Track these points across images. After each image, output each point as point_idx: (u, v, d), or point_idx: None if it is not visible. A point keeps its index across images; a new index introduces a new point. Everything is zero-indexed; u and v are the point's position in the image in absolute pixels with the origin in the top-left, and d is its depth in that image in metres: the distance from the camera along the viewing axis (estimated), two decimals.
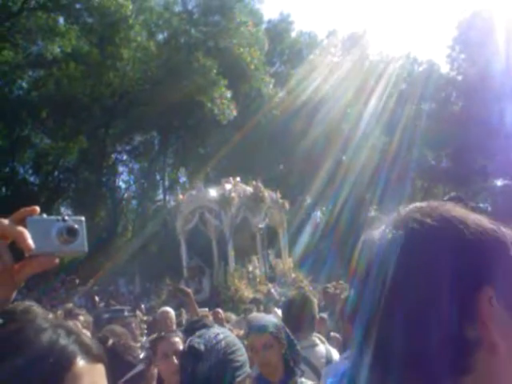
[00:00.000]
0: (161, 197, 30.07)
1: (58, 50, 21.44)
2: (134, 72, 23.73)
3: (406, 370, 0.63)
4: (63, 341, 0.78)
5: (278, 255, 15.11)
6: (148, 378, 2.83)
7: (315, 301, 3.90)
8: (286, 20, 32.40)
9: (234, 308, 10.27)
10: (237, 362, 2.55)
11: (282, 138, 24.05)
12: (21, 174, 26.00)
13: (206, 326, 2.78)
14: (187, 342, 2.61)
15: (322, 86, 25.83)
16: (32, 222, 0.83)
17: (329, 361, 3.32)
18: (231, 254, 13.63)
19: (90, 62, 22.27)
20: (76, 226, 0.86)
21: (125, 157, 30.15)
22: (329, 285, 8.97)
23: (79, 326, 3.83)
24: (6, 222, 0.82)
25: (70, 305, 7.45)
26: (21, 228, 0.82)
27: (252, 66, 24.22)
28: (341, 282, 9.21)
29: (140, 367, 2.78)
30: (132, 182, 31.24)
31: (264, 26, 29.82)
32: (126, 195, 31.25)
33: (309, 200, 26.84)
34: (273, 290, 12.39)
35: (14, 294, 0.85)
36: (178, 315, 6.77)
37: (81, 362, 0.79)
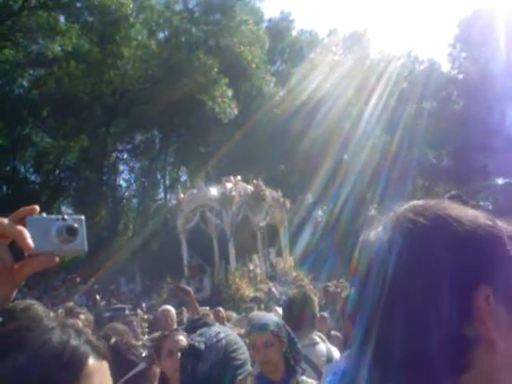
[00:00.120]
0: (162, 195, 30.08)
1: (59, 48, 21.43)
2: (134, 70, 23.73)
3: (406, 368, 0.63)
4: (74, 341, 0.79)
5: (279, 254, 15.11)
6: (150, 377, 2.83)
7: (316, 299, 3.91)
8: (287, 18, 32.37)
9: (235, 307, 10.27)
10: (238, 361, 2.55)
11: (282, 136, 24.03)
12: (22, 172, 26.03)
13: (206, 325, 2.78)
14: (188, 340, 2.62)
15: (322, 85, 25.80)
16: (32, 221, 0.83)
17: (329, 359, 3.32)
18: (232, 252, 13.63)
19: (90, 60, 22.27)
20: (76, 225, 0.86)
21: (125, 155, 30.17)
22: (329, 283, 8.98)
23: (80, 324, 3.83)
24: (5, 221, 0.82)
25: (71, 303, 7.46)
26: (20, 227, 0.82)
27: (253, 65, 24.20)
28: (341, 280, 9.22)
29: (142, 366, 2.79)
30: (133, 181, 31.27)
31: (265, 24, 29.78)
32: (126, 194, 31.27)
33: (310, 199, 26.82)
34: (274, 289, 12.39)
35: (15, 293, 0.85)
36: (179, 314, 6.77)
37: (91, 361, 0.80)
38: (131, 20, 22.01)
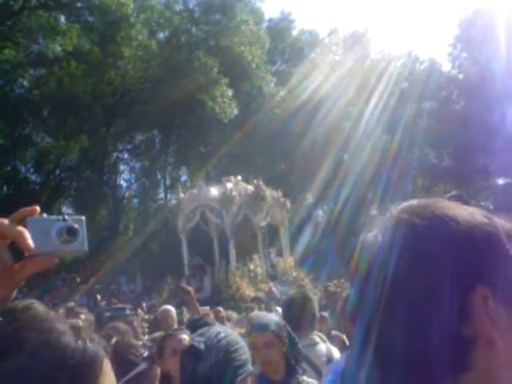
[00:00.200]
0: (162, 195, 30.08)
1: (59, 48, 21.41)
2: (135, 70, 23.73)
3: (406, 368, 0.63)
4: (75, 341, 0.79)
5: (280, 254, 15.11)
6: (151, 377, 2.83)
7: (315, 299, 3.91)
8: (287, 18, 32.37)
9: (236, 306, 10.27)
10: (238, 361, 2.55)
11: (283, 136, 24.03)
12: (22, 172, 26.03)
13: (207, 325, 2.78)
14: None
15: (323, 85, 25.79)
16: (32, 221, 0.84)
17: (329, 359, 3.32)
18: (232, 252, 13.63)
19: (91, 60, 22.27)
20: (76, 226, 0.86)
21: (126, 155, 30.17)
22: (330, 283, 8.99)
23: (81, 324, 3.83)
24: (5, 221, 0.82)
25: (72, 303, 7.47)
26: (21, 228, 0.82)
27: (253, 65, 24.20)
28: (342, 280, 9.22)
29: (143, 366, 2.79)
30: (133, 181, 31.27)
31: (265, 24, 29.78)
32: (127, 194, 31.28)
33: (310, 199, 26.83)
34: (274, 289, 12.39)
35: (15, 293, 0.85)
36: (180, 314, 6.77)
37: (105, 361, 0.81)
38: (132, 20, 22.01)
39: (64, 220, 0.86)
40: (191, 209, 14.13)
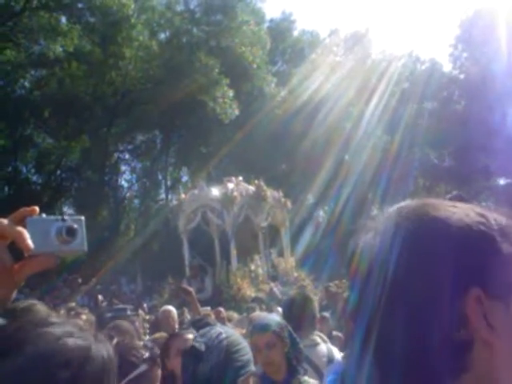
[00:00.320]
0: (163, 196, 30.11)
1: (60, 49, 21.42)
2: (136, 71, 23.75)
3: (406, 368, 0.63)
4: (76, 340, 0.79)
5: (281, 254, 15.10)
6: (151, 379, 2.82)
7: (316, 300, 3.91)
8: (288, 19, 32.39)
9: (236, 307, 10.26)
10: (239, 362, 2.54)
11: (284, 136, 24.03)
12: (23, 173, 26.05)
13: (208, 325, 2.78)
14: None
15: (324, 85, 25.79)
16: (31, 221, 0.84)
17: (330, 360, 3.32)
18: (233, 252, 13.63)
19: (92, 61, 22.29)
20: (75, 226, 0.86)
21: (127, 156, 30.21)
22: (331, 284, 8.98)
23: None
24: (5, 222, 0.82)
25: (73, 304, 7.47)
26: (20, 228, 0.82)
27: (254, 65, 24.21)
28: (343, 280, 9.21)
29: (143, 367, 2.78)
30: (134, 181, 31.29)
31: (266, 24, 29.79)
32: (128, 194, 31.29)
33: (311, 199, 26.83)
34: (275, 289, 12.39)
35: (15, 294, 0.85)
36: (180, 314, 6.77)
37: (107, 360, 0.82)
38: (133, 21, 22.03)
39: (63, 220, 0.86)
40: (192, 209, 14.13)
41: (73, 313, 4.54)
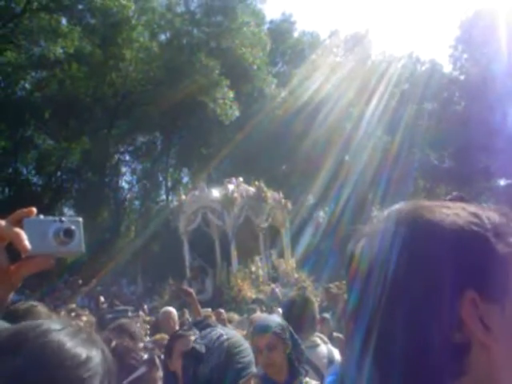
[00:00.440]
0: (163, 197, 30.12)
1: (61, 50, 21.45)
2: (136, 72, 23.77)
3: (406, 368, 0.63)
4: (75, 342, 0.79)
5: (281, 255, 15.11)
6: (150, 381, 2.82)
7: (316, 301, 3.90)
8: (288, 20, 32.44)
9: (237, 308, 10.27)
10: (240, 363, 2.54)
11: (284, 137, 24.04)
12: (24, 174, 26.08)
13: (209, 326, 2.77)
14: None
15: (324, 86, 25.81)
16: (29, 223, 0.83)
17: (331, 361, 3.31)
18: (234, 254, 13.63)
19: (92, 62, 22.31)
20: (73, 227, 0.86)
21: (127, 157, 30.24)
22: (331, 285, 8.96)
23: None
24: (2, 223, 0.82)
25: (73, 305, 7.47)
26: (17, 229, 0.82)
27: (254, 66, 24.25)
28: (343, 281, 9.19)
29: (142, 370, 2.78)
30: (135, 183, 31.30)
31: (266, 26, 29.86)
32: (128, 196, 31.29)
33: (311, 200, 26.83)
34: (276, 290, 12.39)
35: (17, 296, 0.85)
36: (181, 315, 6.77)
37: (106, 362, 0.82)
38: (133, 22, 22.06)
39: (61, 221, 0.85)
40: (193, 210, 14.14)
41: (73, 314, 4.54)
